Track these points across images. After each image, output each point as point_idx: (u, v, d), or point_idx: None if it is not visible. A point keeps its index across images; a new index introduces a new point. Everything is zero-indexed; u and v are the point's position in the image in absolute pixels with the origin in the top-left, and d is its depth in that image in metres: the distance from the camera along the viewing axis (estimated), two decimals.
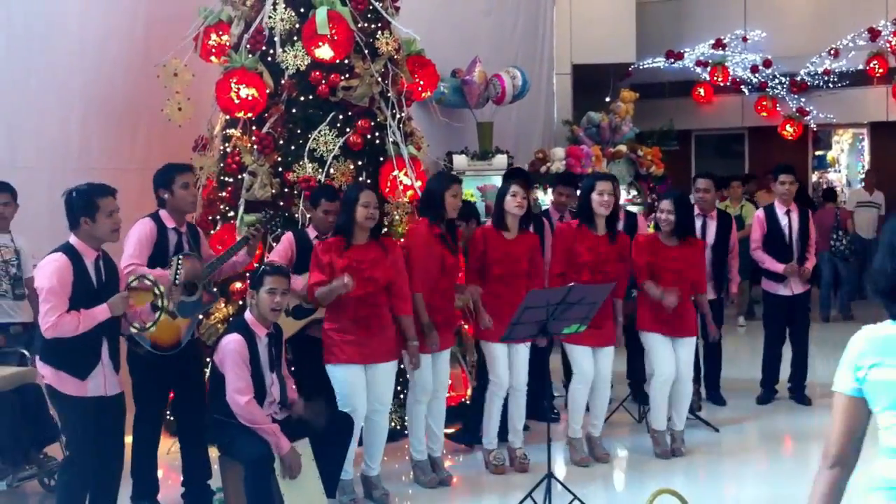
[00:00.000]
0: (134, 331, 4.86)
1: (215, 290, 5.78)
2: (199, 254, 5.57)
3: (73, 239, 4.79)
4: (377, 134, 7.03)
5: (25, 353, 6.05)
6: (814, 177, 17.12)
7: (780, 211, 7.92)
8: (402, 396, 6.63)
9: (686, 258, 6.44)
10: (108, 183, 4.93)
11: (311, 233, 6.08)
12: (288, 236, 6.08)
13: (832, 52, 15.16)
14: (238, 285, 6.53)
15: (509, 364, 6.18)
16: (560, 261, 6.26)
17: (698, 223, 7.57)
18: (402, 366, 5.98)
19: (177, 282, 4.91)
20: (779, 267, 7.78)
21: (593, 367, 6.33)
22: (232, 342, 4.98)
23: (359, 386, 5.53)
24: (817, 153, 17.51)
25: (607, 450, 6.53)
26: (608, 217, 6.26)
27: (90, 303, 4.69)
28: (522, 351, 6.23)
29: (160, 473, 6.17)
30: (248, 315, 5.14)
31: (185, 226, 5.55)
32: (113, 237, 4.85)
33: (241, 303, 6.43)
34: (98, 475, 4.87)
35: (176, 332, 5.30)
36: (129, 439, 5.29)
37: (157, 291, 4.78)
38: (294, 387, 5.41)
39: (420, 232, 5.92)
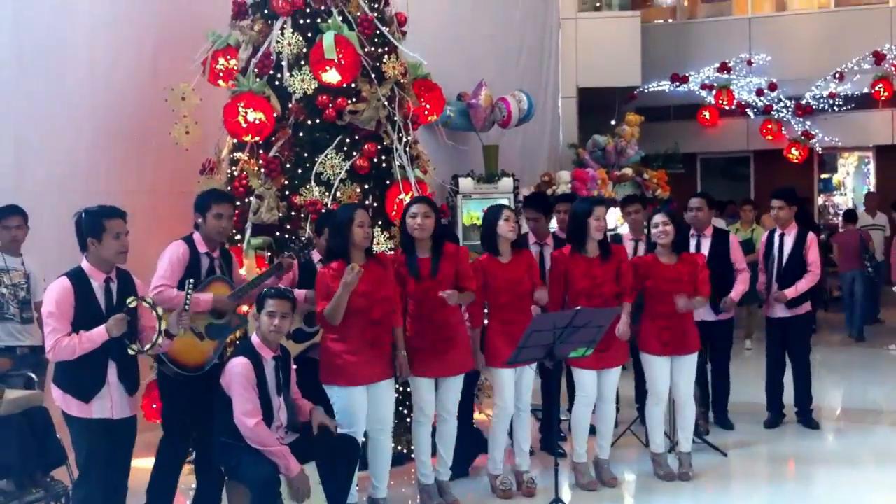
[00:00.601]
0: (131, 352, 4.82)
1: (244, 313, 5.77)
2: (231, 279, 5.58)
3: (83, 262, 4.82)
4: (384, 157, 7.05)
5: (33, 376, 6.05)
6: (820, 199, 17.13)
7: (776, 233, 7.95)
8: (408, 420, 6.62)
9: (684, 276, 6.43)
10: (116, 205, 4.95)
11: (316, 256, 6.09)
12: None
13: (837, 75, 15.21)
14: (245, 308, 6.53)
15: (515, 387, 6.15)
16: (558, 288, 6.28)
17: (692, 242, 7.57)
18: (407, 389, 5.96)
19: (186, 307, 4.90)
20: (759, 286, 7.90)
21: (596, 390, 6.33)
22: (238, 365, 4.98)
23: (361, 407, 5.52)
24: (823, 176, 17.54)
25: (615, 474, 6.49)
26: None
27: (97, 325, 4.70)
28: (528, 374, 6.22)
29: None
30: (254, 338, 5.14)
31: (218, 251, 5.56)
32: (119, 259, 4.85)
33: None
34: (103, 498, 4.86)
35: (202, 354, 5.29)
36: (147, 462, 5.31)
37: (157, 314, 4.78)
38: (307, 408, 5.37)
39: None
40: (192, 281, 5.01)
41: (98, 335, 4.67)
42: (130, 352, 4.81)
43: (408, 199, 6.96)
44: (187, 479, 5.85)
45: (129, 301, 4.80)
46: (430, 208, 5.82)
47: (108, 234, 4.76)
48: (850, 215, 13.17)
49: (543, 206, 7.24)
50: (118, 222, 4.81)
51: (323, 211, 6.48)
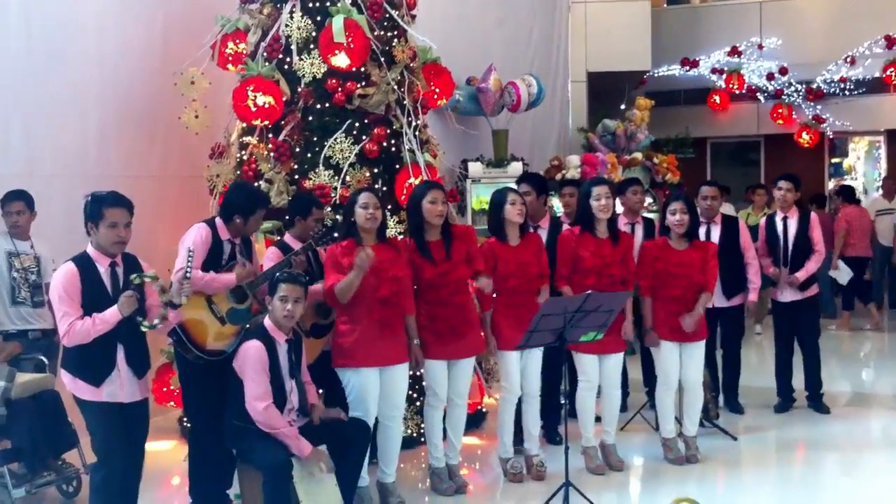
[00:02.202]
0: (144, 329, 4.79)
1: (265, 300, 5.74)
2: (252, 264, 5.58)
3: (88, 246, 4.83)
4: (393, 141, 7.04)
5: (44, 359, 6.08)
6: (830, 184, 17.05)
7: (777, 217, 7.93)
8: (418, 403, 6.63)
9: (695, 262, 6.42)
10: (125, 190, 4.94)
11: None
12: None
13: (849, 59, 15.11)
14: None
15: (523, 370, 6.17)
16: (566, 265, 6.26)
17: (702, 231, 7.57)
18: (418, 373, 5.97)
19: (188, 275, 4.85)
20: (767, 270, 7.84)
21: (598, 374, 6.33)
22: (251, 348, 4.98)
23: (373, 390, 5.54)
24: (833, 161, 17.45)
25: (622, 458, 6.49)
26: (609, 220, 6.26)
27: (105, 309, 4.71)
28: (535, 357, 6.22)
29: (176, 480, 6.21)
30: (267, 321, 5.14)
31: (240, 237, 5.54)
32: (113, 249, 4.80)
33: None
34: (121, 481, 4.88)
35: (223, 339, 5.26)
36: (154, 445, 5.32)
37: (159, 286, 4.78)
38: (315, 391, 5.39)
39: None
40: (192, 249, 5.00)
41: (111, 315, 4.67)
42: (143, 328, 4.78)
43: (417, 183, 6.95)
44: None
45: (133, 278, 4.77)
46: (444, 193, 5.85)
47: (103, 223, 4.73)
48: (850, 193, 12.99)
49: (535, 181, 7.05)
50: (118, 212, 4.77)
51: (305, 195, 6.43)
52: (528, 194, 6.68)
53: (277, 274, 5.19)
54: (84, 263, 4.75)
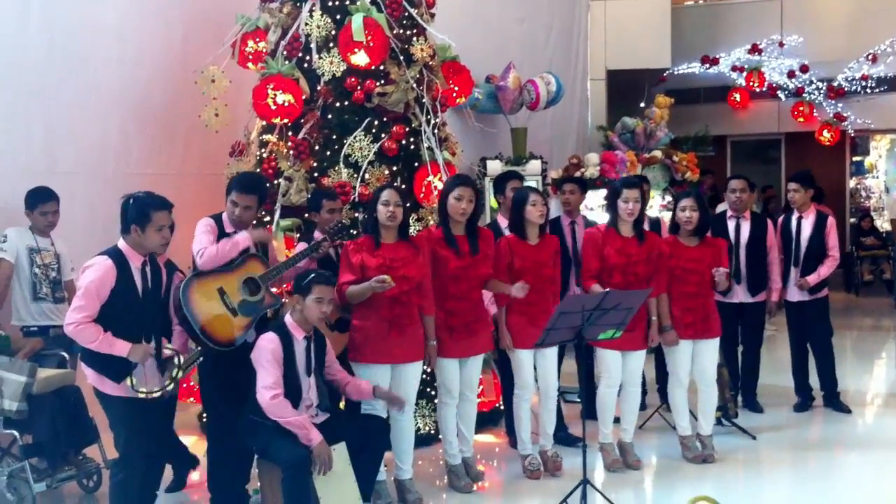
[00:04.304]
0: (140, 393, 4.83)
1: (276, 293, 5.78)
2: (266, 257, 5.61)
3: (121, 243, 4.84)
4: (412, 139, 7.06)
5: (65, 355, 6.13)
6: (851, 183, 16.96)
7: (793, 216, 7.86)
8: (435, 401, 6.65)
9: (706, 258, 6.41)
10: (145, 188, 4.97)
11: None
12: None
13: (870, 57, 15.02)
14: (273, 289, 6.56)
15: (538, 368, 6.19)
16: (594, 262, 6.26)
17: (731, 225, 7.58)
18: (431, 369, 5.99)
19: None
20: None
21: (620, 371, 6.32)
22: (266, 339, 5.03)
23: (383, 386, 5.56)
24: (855, 159, 17.36)
25: (639, 456, 6.49)
26: (637, 219, 6.26)
27: (134, 308, 4.76)
28: (550, 355, 6.23)
29: (196, 476, 6.25)
30: (288, 318, 5.16)
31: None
32: (160, 250, 4.94)
33: None
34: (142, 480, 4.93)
35: (233, 330, 5.25)
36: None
37: (178, 362, 4.86)
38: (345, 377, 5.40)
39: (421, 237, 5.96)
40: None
41: (120, 348, 4.69)
42: (137, 392, 4.82)
43: (436, 181, 6.98)
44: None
45: (166, 349, 4.86)
46: (474, 192, 5.86)
47: (152, 226, 4.79)
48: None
49: (578, 181, 7.27)
50: (164, 215, 4.84)
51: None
52: (574, 192, 7.15)
53: (312, 275, 5.16)
54: (118, 259, 4.78)
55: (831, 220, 7.86)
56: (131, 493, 4.89)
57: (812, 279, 7.65)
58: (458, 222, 5.84)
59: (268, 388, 4.95)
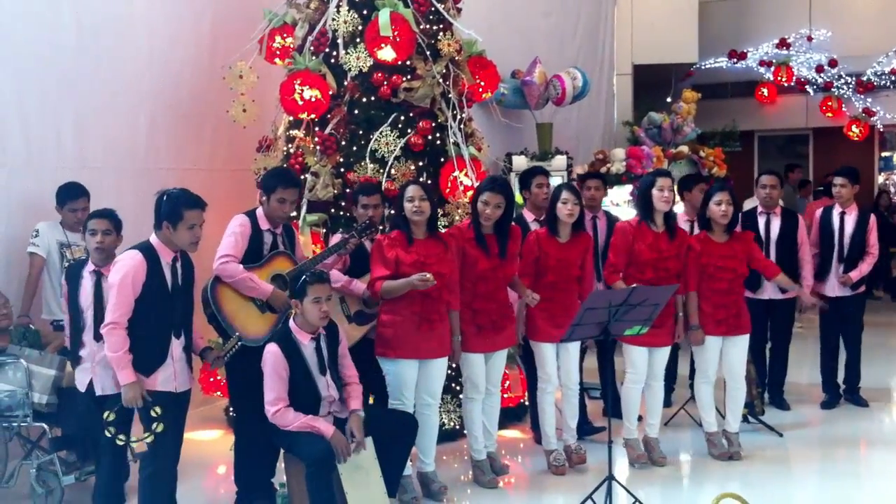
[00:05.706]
0: (130, 443, 4.88)
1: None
2: (294, 254, 5.63)
3: (153, 238, 4.87)
4: (438, 135, 7.06)
5: None
6: (880, 178, 16.82)
7: (834, 211, 7.81)
8: (460, 396, 6.65)
9: (738, 253, 6.38)
10: (173, 183, 5.00)
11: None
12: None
13: None
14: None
15: (560, 363, 6.21)
16: (622, 257, 6.24)
17: (762, 220, 7.53)
18: (456, 364, 6.00)
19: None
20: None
21: (646, 367, 6.32)
22: (268, 353, 5.05)
23: (410, 381, 5.59)
24: (884, 154, 17.22)
25: (664, 453, 6.47)
26: (666, 214, 6.24)
27: (164, 303, 4.78)
28: (573, 350, 6.24)
29: (222, 469, 6.29)
30: (292, 323, 5.18)
31: (281, 227, 5.59)
32: (191, 248, 4.92)
33: None
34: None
35: (262, 326, 5.31)
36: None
37: (155, 412, 4.73)
38: (359, 389, 5.36)
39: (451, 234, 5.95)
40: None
41: (124, 375, 4.68)
42: (125, 442, 4.85)
43: (462, 176, 6.98)
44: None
45: (155, 411, 4.73)
46: (504, 199, 5.81)
47: (183, 224, 4.80)
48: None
49: (601, 177, 7.42)
50: (196, 213, 4.85)
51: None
52: (598, 188, 7.26)
53: (304, 276, 5.15)
54: (149, 254, 4.80)
55: (873, 218, 7.84)
56: (161, 487, 4.92)
57: (855, 275, 7.64)
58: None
59: (270, 404, 5.01)
